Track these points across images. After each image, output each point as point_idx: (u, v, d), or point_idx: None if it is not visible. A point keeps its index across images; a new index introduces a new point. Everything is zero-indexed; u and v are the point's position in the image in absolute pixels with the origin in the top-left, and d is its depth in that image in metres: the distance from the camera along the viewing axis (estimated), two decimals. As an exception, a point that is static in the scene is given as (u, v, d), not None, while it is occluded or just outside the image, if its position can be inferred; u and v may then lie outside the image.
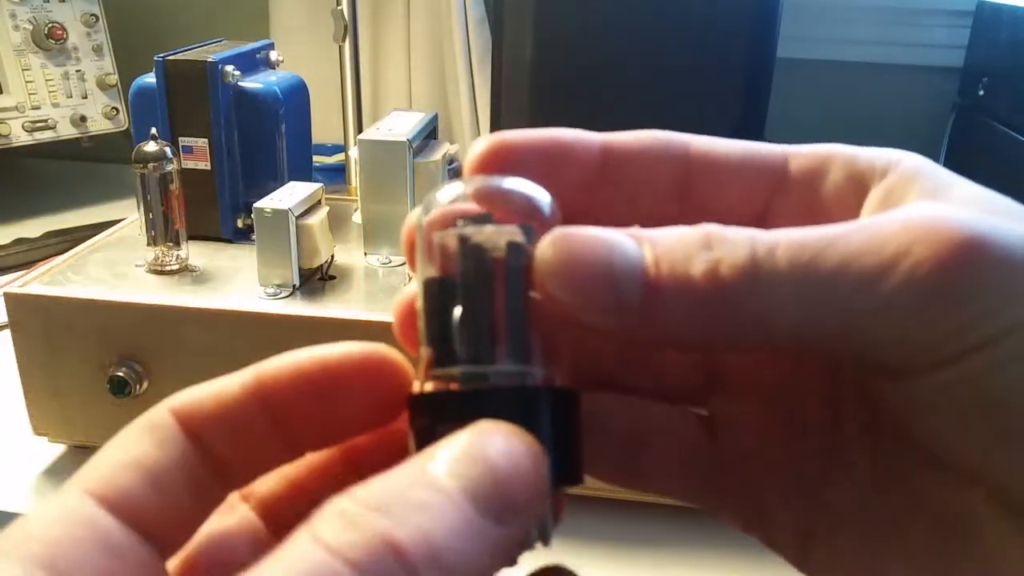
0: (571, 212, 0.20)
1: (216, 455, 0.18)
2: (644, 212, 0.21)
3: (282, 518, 0.20)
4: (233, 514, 0.20)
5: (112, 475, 0.17)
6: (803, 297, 0.17)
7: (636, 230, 0.18)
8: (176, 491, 0.18)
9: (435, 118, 0.67)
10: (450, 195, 0.19)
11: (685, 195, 0.21)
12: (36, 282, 0.54)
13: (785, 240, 0.17)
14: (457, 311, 0.18)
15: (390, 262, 0.60)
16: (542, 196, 0.19)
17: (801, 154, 0.21)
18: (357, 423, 0.20)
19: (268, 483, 0.20)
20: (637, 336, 0.18)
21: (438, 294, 0.19)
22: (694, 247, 0.17)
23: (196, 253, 0.60)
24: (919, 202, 0.18)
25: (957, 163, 1.01)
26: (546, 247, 0.17)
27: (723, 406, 0.22)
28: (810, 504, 0.21)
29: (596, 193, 0.20)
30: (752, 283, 0.17)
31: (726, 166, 0.21)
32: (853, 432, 0.21)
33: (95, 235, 0.64)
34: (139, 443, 0.18)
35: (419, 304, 0.19)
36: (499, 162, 0.19)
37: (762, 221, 0.21)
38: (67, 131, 1.07)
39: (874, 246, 0.17)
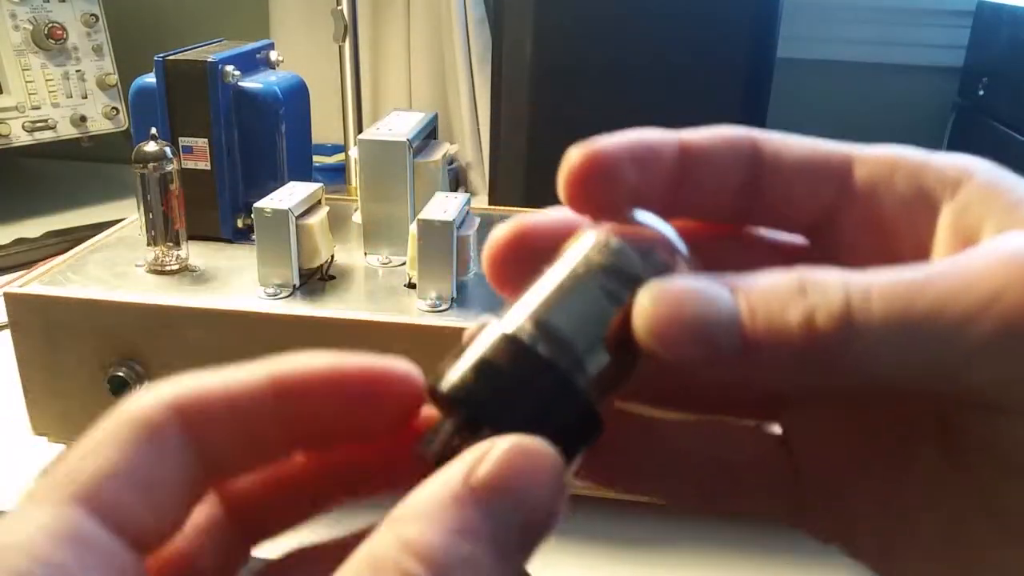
0: (660, 210, 0.20)
1: (215, 456, 0.18)
2: (720, 208, 0.21)
3: (247, 509, 0.20)
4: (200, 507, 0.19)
5: (110, 489, 0.16)
6: (899, 343, 0.17)
7: (731, 278, 0.18)
8: (175, 504, 0.17)
9: (435, 118, 0.67)
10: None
11: (755, 193, 0.21)
12: (36, 282, 0.54)
13: (878, 284, 0.17)
14: (581, 301, 0.18)
15: (390, 262, 0.60)
16: (676, 237, 0.20)
17: (867, 159, 0.21)
18: (368, 434, 0.19)
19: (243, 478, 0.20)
20: (732, 378, 0.18)
21: (573, 276, 0.19)
22: (789, 294, 0.17)
23: (196, 253, 0.60)
24: (1007, 232, 0.18)
25: None
26: (644, 305, 0.18)
27: (796, 420, 0.22)
28: (892, 523, 0.21)
29: (678, 191, 0.21)
30: (848, 332, 0.17)
31: (790, 167, 0.21)
32: (930, 445, 0.20)
33: (95, 235, 0.64)
34: (139, 449, 0.17)
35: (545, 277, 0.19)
36: (596, 168, 0.20)
37: (827, 221, 0.21)
38: (67, 131, 1.07)
39: (965, 288, 0.17)
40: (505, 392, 0.18)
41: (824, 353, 0.17)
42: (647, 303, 0.18)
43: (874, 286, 0.17)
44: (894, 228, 0.20)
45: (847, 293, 0.17)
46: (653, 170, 0.20)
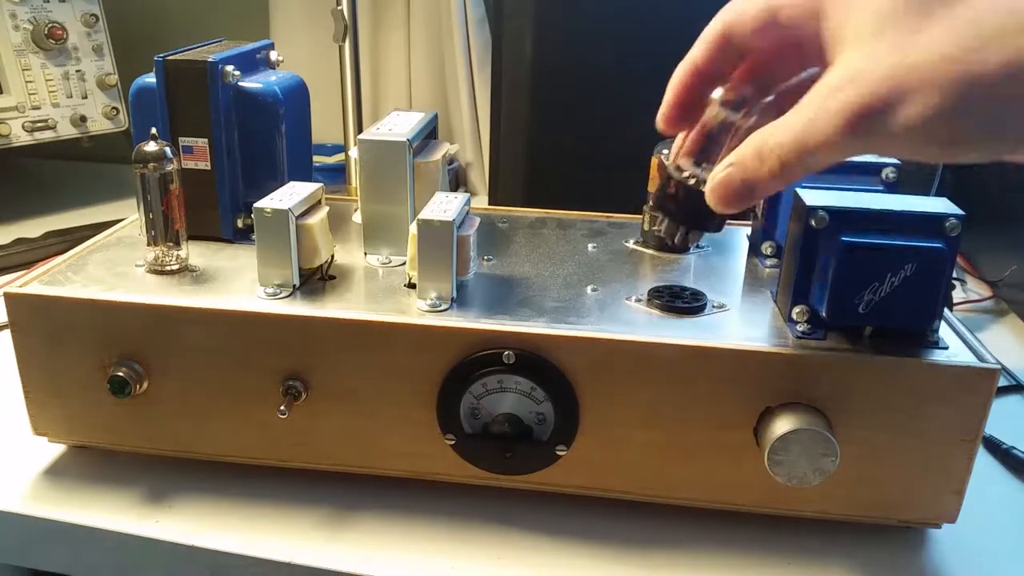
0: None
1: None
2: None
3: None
4: None
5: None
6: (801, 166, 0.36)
7: (734, 157, 0.39)
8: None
9: (435, 118, 0.67)
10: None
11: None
12: (36, 282, 0.54)
13: (774, 139, 0.36)
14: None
15: (390, 262, 0.60)
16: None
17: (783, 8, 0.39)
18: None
19: None
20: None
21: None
22: (755, 160, 0.37)
23: (196, 253, 0.60)
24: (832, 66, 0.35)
25: (956, 163, 1.01)
26: (711, 185, 0.39)
27: None
28: None
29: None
30: (786, 170, 0.36)
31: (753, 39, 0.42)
32: None
33: (95, 235, 0.64)
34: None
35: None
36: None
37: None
38: (67, 131, 1.07)
39: (815, 126, 0.34)
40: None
41: (785, 178, 0.36)
42: (712, 186, 0.39)
43: (777, 138, 0.36)
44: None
45: (779, 155, 0.36)
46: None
